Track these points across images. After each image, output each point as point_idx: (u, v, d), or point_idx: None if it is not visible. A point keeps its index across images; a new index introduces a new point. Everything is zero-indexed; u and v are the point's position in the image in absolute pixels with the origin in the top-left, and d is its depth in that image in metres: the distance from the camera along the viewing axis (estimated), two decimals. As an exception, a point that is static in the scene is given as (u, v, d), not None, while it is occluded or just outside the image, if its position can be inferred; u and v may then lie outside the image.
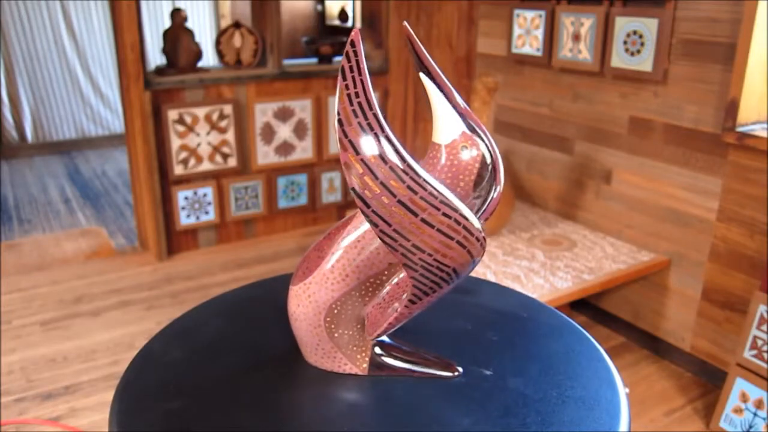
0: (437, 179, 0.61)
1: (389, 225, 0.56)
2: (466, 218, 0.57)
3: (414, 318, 0.76)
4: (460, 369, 0.69)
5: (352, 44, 0.55)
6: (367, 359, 0.70)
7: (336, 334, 0.68)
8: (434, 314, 0.81)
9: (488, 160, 0.62)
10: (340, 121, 0.54)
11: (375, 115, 0.54)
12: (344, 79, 0.55)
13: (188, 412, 0.64)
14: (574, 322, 0.81)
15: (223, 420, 0.63)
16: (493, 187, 0.66)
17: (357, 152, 0.54)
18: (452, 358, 0.71)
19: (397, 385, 0.69)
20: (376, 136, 0.54)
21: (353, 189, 0.55)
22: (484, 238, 0.60)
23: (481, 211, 0.65)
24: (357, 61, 0.55)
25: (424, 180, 0.55)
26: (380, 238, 0.57)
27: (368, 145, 0.54)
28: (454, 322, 0.81)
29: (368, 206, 0.55)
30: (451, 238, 0.57)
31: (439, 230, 0.56)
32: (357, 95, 0.54)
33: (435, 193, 0.55)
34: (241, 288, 0.92)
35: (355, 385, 0.69)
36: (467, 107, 0.67)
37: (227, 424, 0.63)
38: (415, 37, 0.66)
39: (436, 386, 0.68)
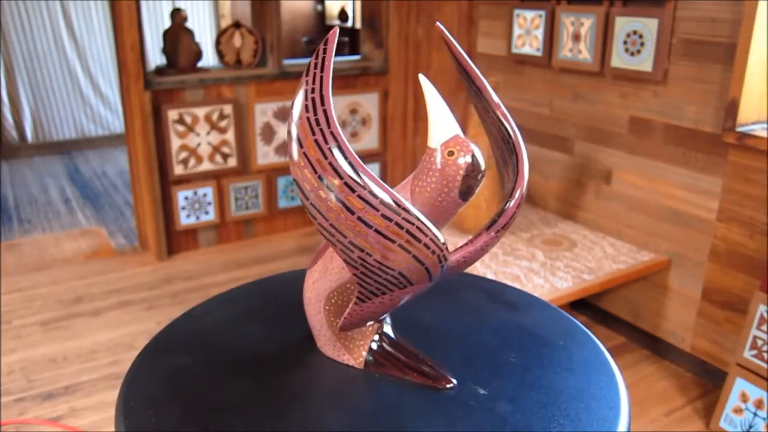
0: (425, 184, 0.60)
1: (326, 219, 0.57)
2: (412, 223, 0.56)
3: (443, 322, 0.78)
4: (454, 381, 0.68)
5: (325, 42, 0.57)
6: (364, 353, 0.71)
7: (335, 323, 0.70)
8: (466, 324, 0.81)
9: (481, 168, 0.59)
10: (292, 114, 0.56)
11: (325, 112, 0.55)
12: (307, 74, 0.56)
13: (190, 369, 0.71)
14: (612, 363, 0.75)
15: (213, 381, 0.70)
16: (510, 197, 0.64)
17: (301, 146, 0.55)
18: (458, 370, 0.70)
19: (385, 384, 0.69)
20: (322, 132, 0.55)
21: (294, 180, 0.57)
22: (439, 247, 0.58)
23: (494, 222, 0.64)
24: (323, 59, 0.56)
25: (365, 180, 0.55)
26: (319, 231, 0.58)
27: (312, 141, 0.55)
28: (483, 336, 0.79)
29: (307, 198, 0.56)
30: (392, 241, 0.56)
31: (377, 231, 0.56)
32: (313, 91, 0.55)
33: (375, 192, 0.55)
34: (278, 275, 0.95)
35: (346, 376, 0.71)
36: (505, 110, 0.66)
37: (214, 384, 0.69)
38: (451, 38, 0.65)
39: (424, 393, 0.67)
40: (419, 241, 0.57)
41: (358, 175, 0.55)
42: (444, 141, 0.59)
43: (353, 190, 0.55)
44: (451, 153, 0.58)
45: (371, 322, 0.70)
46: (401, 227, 0.56)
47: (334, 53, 0.57)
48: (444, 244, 0.59)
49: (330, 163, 0.54)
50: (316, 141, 0.55)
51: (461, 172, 0.58)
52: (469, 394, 0.67)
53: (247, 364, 0.72)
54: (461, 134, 0.60)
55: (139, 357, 0.74)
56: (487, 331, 0.80)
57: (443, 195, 0.59)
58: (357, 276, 0.61)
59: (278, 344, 0.76)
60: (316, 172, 0.55)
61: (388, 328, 0.72)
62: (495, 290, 0.92)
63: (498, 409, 0.65)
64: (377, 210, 0.55)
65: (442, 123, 0.59)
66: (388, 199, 0.55)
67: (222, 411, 0.65)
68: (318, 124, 0.55)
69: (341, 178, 0.55)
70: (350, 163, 0.55)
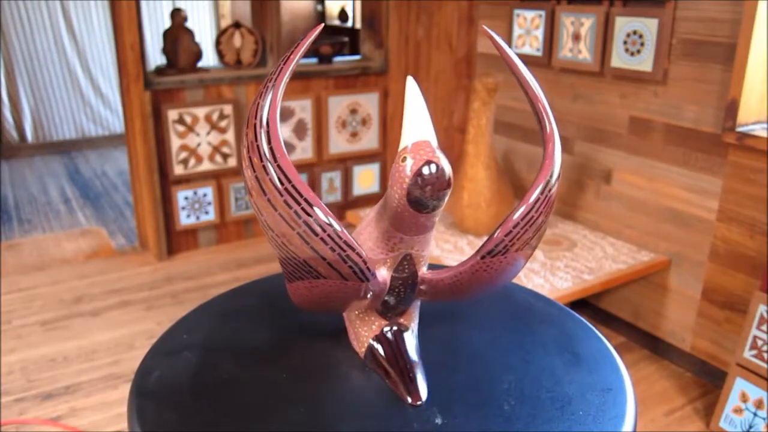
0: (388, 187, 0.60)
1: (252, 196, 0.60)
2: (309, 215, 0.57)
3: (483, 349, 0.76)
4: (423, 399, 0.66)
5: (302, 38, 0.60)
6: (366, 345, 0.71)
7: (347, 310, 0.72)
8: (503, 359, 0.74)
9: (440, 179, 0.57)
10: (255, 99, 0.60)
11: (271, 100, 0.59)
12: (275, 66, 0.60)
13: (192, 365, 0.74)
14: None
15: (213, 376, 0.72)
16: (519, 205, 0.65)
17: (247, 126, 0.60)
18: (440, 395, 0.66)
19: (365, 379, 0.70)
20: (261, 117, 0.59)
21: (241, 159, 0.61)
22: (339, 246, 0.58)
23: (481, 246, 0.65)
24: (292, 53, 0.60)
25: (278, 166, 0.58)
26: (251, 206, 0.62)
27: (252, 123, 0.59)
28: (505, 376, 0.70)
29: (244, 176, 0.61)
30: (292, 228, 0.59)
31: (281, 215, 0.58)
32: (271, 80, 0.59)
33: (282, 179, 0.58)
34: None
35: (334, 365, 0.72)
36: (546, 105, 0.67)
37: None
38: (500, 41, 0.67)
39: (387, 401, 0.66)
40: (315, 234, 0.58)
41: (275, 160, 0.58)
42: (404, 146, 0.59)
43: (267, 173, 0.58)
44: (404, 159, 0.58)
45: (376, 318, 0.70)
46: (299, 216, 0.58)
47: (304, 50, 0.60)
48: (346, 243, 0.59)
49: (257, 145, 0.58)
50: (254, 124, 0.58)
51: (407, 180, 0.57)
52: (422, 418, 0.63)
53: (247, 361, 0.74)
54: (432, 142, 0.58)
55: (144, 358, 0.75)
56: (515, 373, 0.71)
57: (397, 201, 0.59)
58: (277, 254, 0.63)
59: (279, 340, 0.78)
60: (248, 152, 0.59)
61: (408, 334, 0.71)
62: (573, 334, 0.80)
63: None
64: (281, 195, 0.58)
65: (411, 127, 0.60)
66: (290, 188, 0.58)
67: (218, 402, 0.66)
68: (262, 108, 0.59)
69: (261, 160, 0.58)
70: (271, 149, 0.58)
